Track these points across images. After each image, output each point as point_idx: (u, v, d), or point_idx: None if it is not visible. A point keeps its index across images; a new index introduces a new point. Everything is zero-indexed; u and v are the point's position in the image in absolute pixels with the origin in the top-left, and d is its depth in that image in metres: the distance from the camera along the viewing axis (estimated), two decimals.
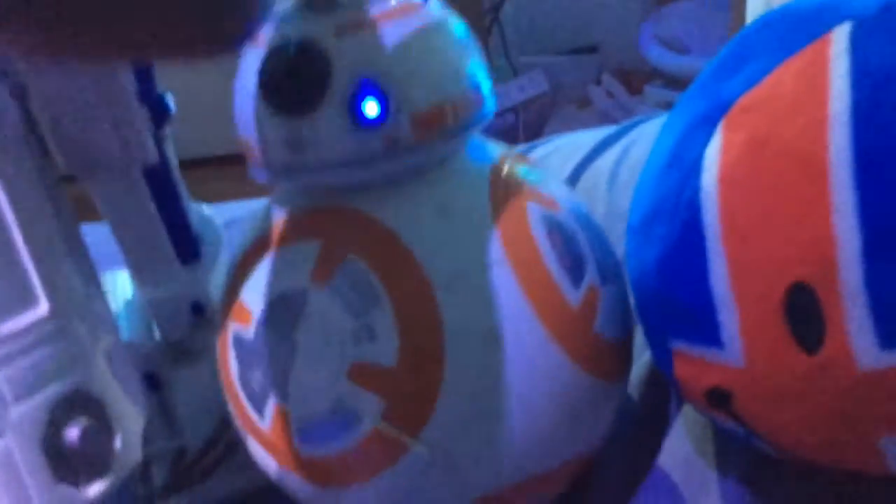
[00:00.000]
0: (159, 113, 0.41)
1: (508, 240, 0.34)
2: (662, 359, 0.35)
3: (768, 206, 0.29)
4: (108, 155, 0.39)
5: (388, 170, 0.34)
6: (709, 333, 0.31)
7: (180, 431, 0.36)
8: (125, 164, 0.40)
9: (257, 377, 0.35)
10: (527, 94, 1.54)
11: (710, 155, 0.31)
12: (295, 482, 0.37)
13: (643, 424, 0.43)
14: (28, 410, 0.31)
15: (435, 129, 0.34)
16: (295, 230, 0.36)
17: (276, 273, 0.35)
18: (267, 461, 0.37)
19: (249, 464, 0.39)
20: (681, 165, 0.32)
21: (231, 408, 0.37)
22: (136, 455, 0.35)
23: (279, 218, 0.36)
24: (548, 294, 0.34)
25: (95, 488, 0.33)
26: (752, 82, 0.31)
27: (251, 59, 0.34)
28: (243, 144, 0.36)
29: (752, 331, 0.30)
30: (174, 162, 0.43)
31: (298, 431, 0.35)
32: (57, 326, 0.33)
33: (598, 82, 1.54)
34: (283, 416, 0.35)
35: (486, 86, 0.36)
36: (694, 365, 0.33)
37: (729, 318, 0.30)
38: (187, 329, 0.44)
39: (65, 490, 0.32)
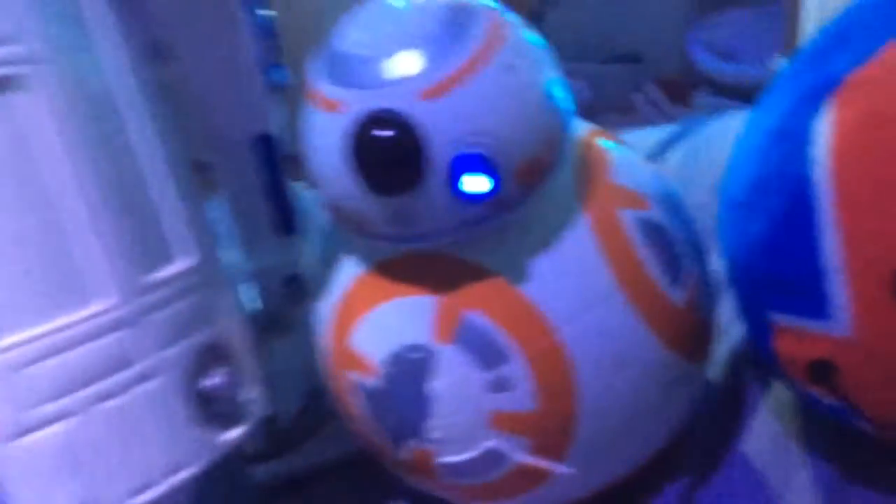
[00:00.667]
0: (276, 86, 0.43)
1: (612, 261, 0.34)
2: (760, 334, 0.36)
3: (884, 179, 0.29)
4: (233, 123, 0.41)
5: (492, 225, 0.33)
6: (815, 305, 0.32)
7: (272, 399, 0.37)
8: (244, 129, 0.42)
9: (391, 423, 0.36)
10: None
11: (821, 129, 0.31)
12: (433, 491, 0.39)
13: (724, 407, 0.44)
14: (176, 355, 0.33)
15: (535, 177, 0.33)
16: (404, 279, 0.35)
17: (394, 327, 0.35)
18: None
19: (340, 434, 0.41)
20: (788, 140, 0.33)
21: (359, 433, 0.39)
22: (264, 406, 0.37)
23: (381, 260, 0.36)
24: (657, 304, 0.35)
25: (233, 433, 0.35)
26: (860, 59, 0.31)
27: (331, 126, 0.33)
28: (331, 203, 0.35)
29: (863, 302, 0.30)
30: (277, 135, 0.44)
31: (442, 469, 0.36)
32: (203, 277, 0.35)
33: (641, 91, 1.55)
34: (426, 457, 0.36)
35: (567, 104, 0.35)
36: (797, 338, 0.33)
37: (838, 290, 0.31)
38: (284, 299, 0.45)
39: (207, 432, 0.34)
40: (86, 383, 0.31)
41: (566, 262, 0.34)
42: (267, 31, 0.43)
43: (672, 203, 0.38)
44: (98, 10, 0.32)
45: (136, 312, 0.32)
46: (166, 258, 0.33)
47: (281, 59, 0.44)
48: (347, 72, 0.32)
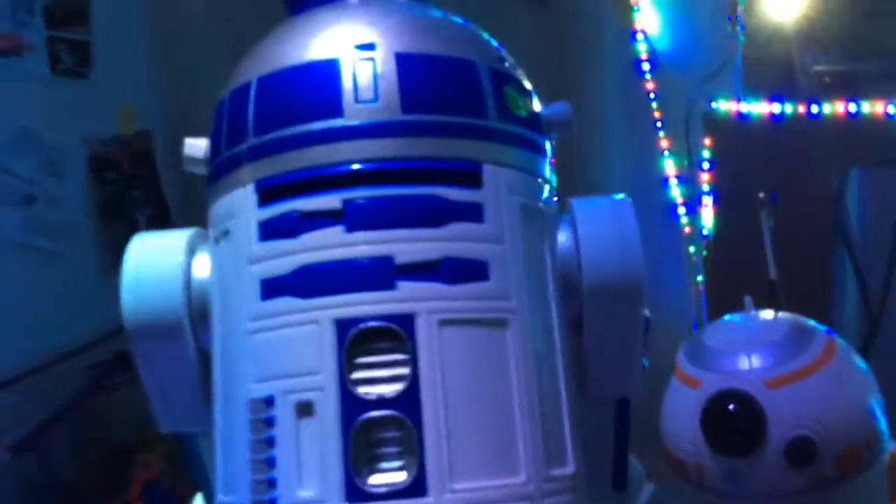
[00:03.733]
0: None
1: None
2: None
3: None
4: (612, 381, 0.53)
5: (810, 500, 0.42)
6: None
7: None
8: (618, 391, 0.54)
9: None
10: None
11: None
12: None
13: None
14: None
15: (854, 465, 0.42)
16: None
17: None
18: None
19: None
20: None
21: None
22: None
23: None
24: None
25: None
26: None
27: (687, 397, 0.46)
28: (676, 460, 0.48)
29: None
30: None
31: None
32: (576, 486, 0.48)
33: None
34: None
35: (883, 421, 0.45)
36: None
37: None
38: None
39: None
40: None
41: None
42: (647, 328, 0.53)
43: None
44: (550, 289, 0.50)
45: (538, 493, 0.45)
46: (562, 460, 0.47)
47: None
48: (708, 359, 0.46)
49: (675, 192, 1.50)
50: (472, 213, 0.47)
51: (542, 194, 0.52)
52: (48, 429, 1.36)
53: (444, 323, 0.45)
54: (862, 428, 0.41)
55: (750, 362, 0.43)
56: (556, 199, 0.54)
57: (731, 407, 0.42)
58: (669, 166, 1.50)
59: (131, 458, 1.38)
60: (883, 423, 0.42)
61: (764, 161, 1.40)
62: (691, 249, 1.48)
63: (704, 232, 1.47)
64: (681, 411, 0.44)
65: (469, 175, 0.48)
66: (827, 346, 0.43)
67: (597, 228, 0.51)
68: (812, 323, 0.45)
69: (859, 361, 0.43)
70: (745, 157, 1.42)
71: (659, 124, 1.50)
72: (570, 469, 0.48)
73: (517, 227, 0.48)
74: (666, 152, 1.49)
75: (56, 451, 1.40)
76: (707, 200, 1.46)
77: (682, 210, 1.50)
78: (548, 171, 0.54)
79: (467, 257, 0.47)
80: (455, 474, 0.43)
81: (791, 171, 1.40)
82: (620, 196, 0.54)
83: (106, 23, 1.58)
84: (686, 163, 1.49)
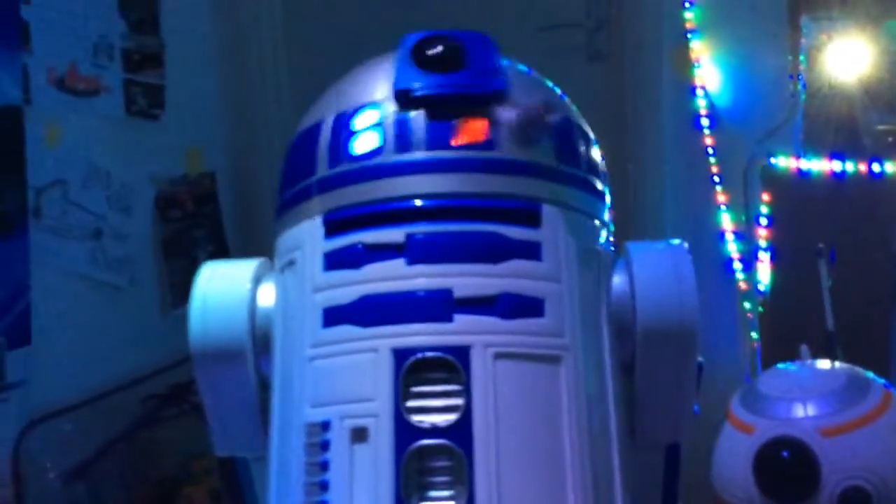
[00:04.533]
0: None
1: None
2: None
3: None
4: (664, 426, 0.53)
5: None
6: None
7: None
8: (669, 437, 0.54)
9: None
10: None
11: None
12: None
13: None
14: None
15: None
16: None
17: None
18: None
19: None
20: None
21: None
22: None
23: None
24: None
25: None
26: None
27: (740, 442, 0.48)
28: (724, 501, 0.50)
29: None
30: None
31: None
32: None
33: None
34: None
35: None
36: None
37: None
38: None
39: None
40: None
41: None
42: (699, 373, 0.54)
43: None
44: (604, 330, 0.51)
45: None
46: (610, 501, 0.47)
47: None
48: (762, 406, 0.48)
49: (732, 248, 1.49)
50: (530, 251, 0.48)
51: (599, 237, 0.53)
52: (101, 458, 1.39)
53: (499, 356, 0.46)
54: None
55: (805, 410, 0.44)
56: (613, 244, 0.55)
57: (784, 454, 0.41)
58: (726, 221, 1.49)
59: (177, 490, 1.39)
60: None
61: (823, 218, 1.39)
62: (746, 305, 1.46)
63: (760, 288, 1.45)
64: (733, 457, 0.44)
65: (528, 214, 0.49)
66: (884, 397, 0.44)
67: (652, 272, 0.52)
68: (869, 374, 0.46)
69: None
70: (804, 214, 1.41)
71: (717, 178, 1.49)
72: None
73: (574, 268, 0.49)
74: (723, 206, 1.49)
75: (105, 481, 1.42)
76: (764, 256, 1.44)
77: (738, 265, 1.48)
78: (606, 216, 0.55)
79: (524, 294, 0.47)
80: None
81: (850, 229, 1.38)
82: (676, 241, 0.54)
83: (179, 68, 1.65)
84: (743, 218, 1.48)
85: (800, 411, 0.43)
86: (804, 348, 0.50)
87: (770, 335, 1.40)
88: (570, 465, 0.46)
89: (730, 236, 1.49)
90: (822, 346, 0.52)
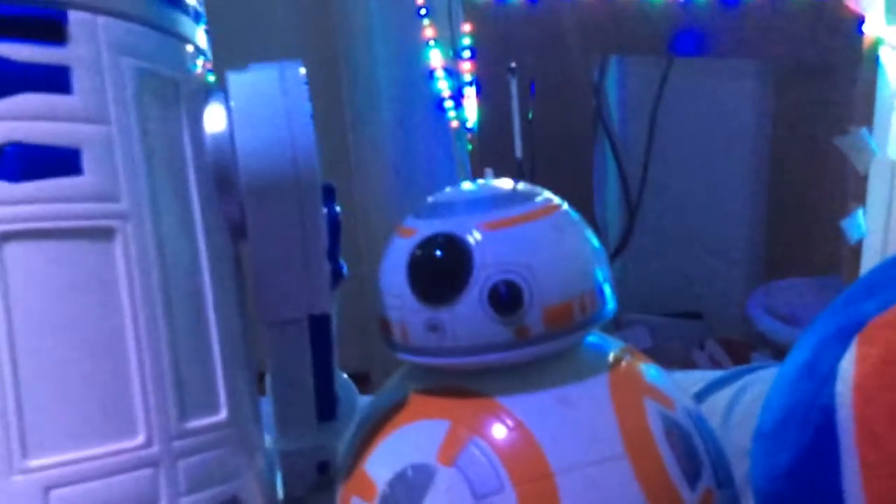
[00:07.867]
0: (336, 273, 0.45)
1: (627, 434, 0.36)
2: None
3: None
4: (295, 296, 0.43)
5: (516, 357, 0.38)
6: None
7: None
8: (304, 308, 0.43)
9: None
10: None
11: (845, 366, 0.34)
12: None
13: None
14: (198, 502, 0.35)
15: (563, 322, 0.38)
16: (425, 408, 0.40)
17: (404, 447, 0.39)
18: None
19: None
20: (815, 375, 0.36)
21: None
22: None
23: (409, 394, 0.41)
24: (665, 493, 0.36)
25: None
26: (884, 305, 0.35)
27: (400, 247, 0.40)
28: (384, 321, 0.42)
29: None
30: (334, 321, 0.46)
31: None
32: (230, 434, 0.38)
33: (702, 347, 1.57)
34: None
35: (608, 288, 0.40)
36: None
37: None
38: (310, 487, 0.46)
39: None
40: None
41: (580, 414, 0.37)
42: (336, 226, 0.45)
43: (700, 421, 0.41)
44: (196, 187, 0.38)
45: (167, 454, 0.35)
46: (196, 410, 0.36)
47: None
48: (428, 212, 0.41)
49: (443, 85, 1.44)
50: (52, 80, 0.34)
51: (179, 61, 0.39)
52: None
53: (7, 237, 0.33)
54: (576, 287, 0.38)
55: (467, 209, 0.39)
56: (210, 73, 0.42)
57: (437, 251, 0.38)
58: (436, 57, 1.43)
59: None
60: (608, 296, 0.40)
61: (522, 48, 1.36)
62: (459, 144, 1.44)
63: (469, 125, 1.42)
64: (391, 267, 0.40)
65: (45, 24, 0.34)
66: (547, 203, 0.40)
67: (254, 108, 0.39)
68: (546, 191, 0.42)
69: (588, 232, 0.41)
70: (504, 44, 1.38)
71: (423, 12, 1.42)
72: (221, 416, 0.37)
73: (130, 102, 0.36)
74: (431, 42, 1.42)
75: None
76: (469, 91, 1.40)
77: (449, 104, 1.44)
78: (194, 34, 0.41)
79: (44, 143, 0.34)
80: (30, 447, 0.32)
81: (550, 60, 1.38)
82: (290, 63, 0.41)
83: None
84: (451, 54, 1.43)
85: (461, 210, 0.40)
86: (488, 170, 0.45)
87: (480, 172, 1.38)
88: (137, 375, 0.34)
89: (440, 73, 1.44)
90: (514, 175, 0.48)
